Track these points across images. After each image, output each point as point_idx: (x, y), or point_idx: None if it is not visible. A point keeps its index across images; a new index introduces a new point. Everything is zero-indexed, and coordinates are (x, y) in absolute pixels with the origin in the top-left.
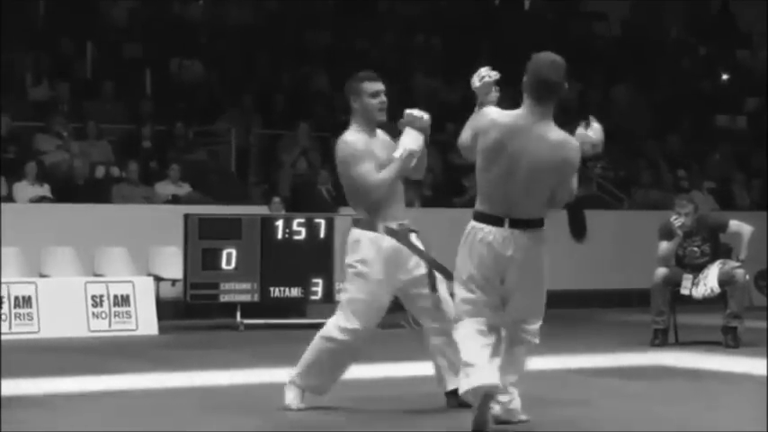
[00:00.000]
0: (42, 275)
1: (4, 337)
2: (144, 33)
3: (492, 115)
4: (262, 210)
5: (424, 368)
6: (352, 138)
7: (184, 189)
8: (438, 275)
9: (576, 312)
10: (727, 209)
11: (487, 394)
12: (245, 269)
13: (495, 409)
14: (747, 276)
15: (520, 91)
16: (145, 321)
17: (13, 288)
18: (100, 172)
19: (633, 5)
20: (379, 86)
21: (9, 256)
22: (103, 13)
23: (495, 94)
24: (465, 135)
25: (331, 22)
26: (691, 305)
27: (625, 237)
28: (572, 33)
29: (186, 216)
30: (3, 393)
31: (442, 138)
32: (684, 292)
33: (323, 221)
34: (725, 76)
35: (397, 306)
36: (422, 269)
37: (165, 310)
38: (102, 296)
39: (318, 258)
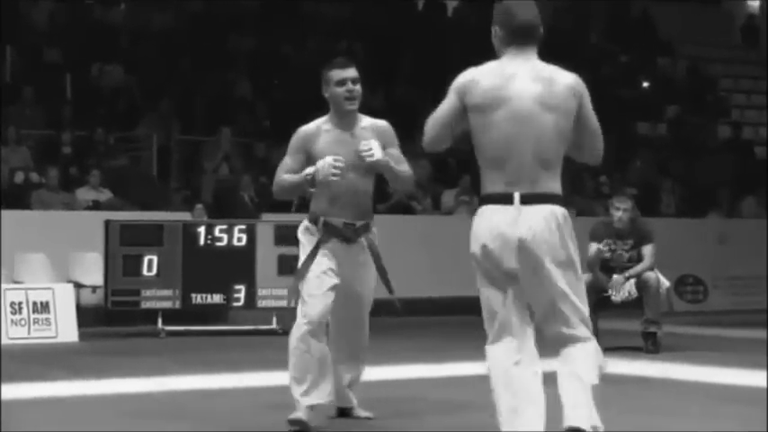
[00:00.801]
0: None
1: None
2: (64, 37)
3: (469, 73)
4: (183, 216)
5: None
6: (300, 129)
7: (105, 195)
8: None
9: None
10: (650, 215)
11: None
12: (167, 276)
13: None
14: (667, 283)
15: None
16: (65, 328)
17: None
18: (19, 178)
19: (555, 11)
20: (348, 74)
21: None
22: (23, 16)
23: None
24: (438, 110)
25: (254, 26)
26: (614, 309)
27: None
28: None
29: (107, 222)
30: None
31: None
32: (611, 294)
33: (245, 228)
34: (645, 84)
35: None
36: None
37: (86, 316)
38: (21, 303)
39: (240, 265)
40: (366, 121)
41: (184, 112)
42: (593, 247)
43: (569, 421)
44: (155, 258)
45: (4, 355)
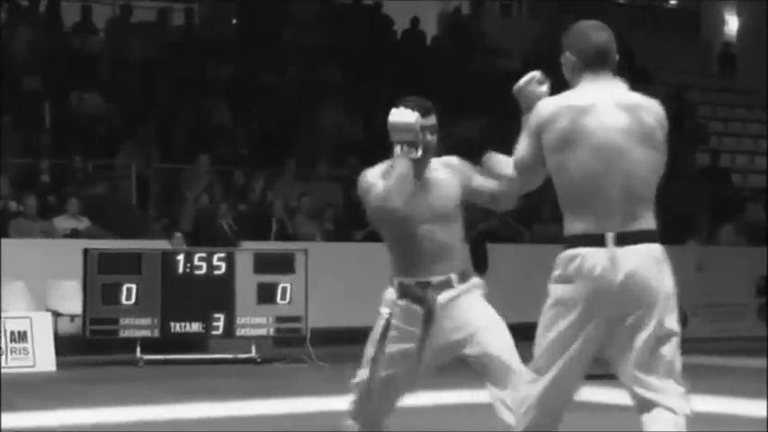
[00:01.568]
0: None
1: None
2: (43, 65)
3: (544, 108)
4: (162, 244)
5: None
6: (364, 175)
7: (84, 223)
8: None
9: None
10: None
11: None
12: (146, 304)
13: None
14: None
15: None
16: (43, 357)
17: None
18: None
19: (535, 40)
20: (426, 122)
21: None
22: (2, 44)
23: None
24: (519, 150)
25: (233, 54)
26: None
27: (526, 270)
28: (474, 68)
29: (86, 251)
30: None
31: (344, 172)
32: None
33: (224, 256)
34: None
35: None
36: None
37: (64, 345)
38: None
39: (219, 293)
40: (434, 162)
41: (163, 140)
42: None
43: None
44: (133, 287)
45: None
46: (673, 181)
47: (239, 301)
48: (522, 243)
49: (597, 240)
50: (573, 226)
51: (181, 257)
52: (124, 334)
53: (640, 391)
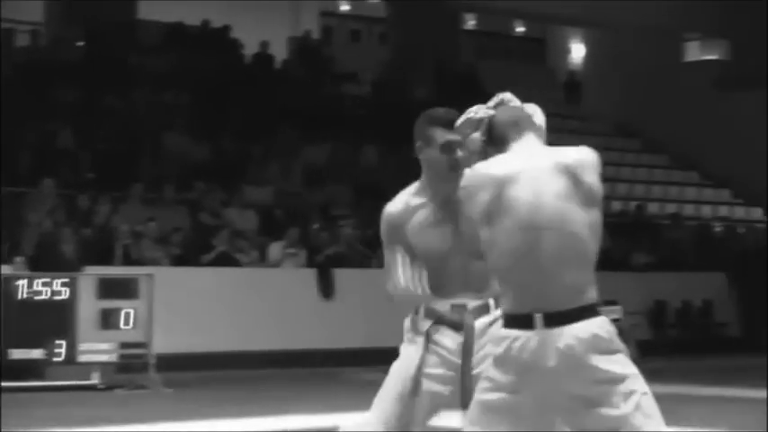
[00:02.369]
0: None
1: None
2: None
3: (478, 170)
4: (4, 269)
5: None
6: (386, 211)
7: None
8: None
9: (326, 371)
10: None
11: None
12: None
13: None
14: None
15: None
16: None
17: None
18: None
19: (384, 66)
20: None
21: None
22: None
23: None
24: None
25: (79, 76)
26: None
27: (373, 295)
28: (323, 93)
29: None
30: None
31: (191, 196)
32: None
33: (67, 281)
34: None
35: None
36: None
37: None
38: None
39: (61, 319)
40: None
41: (6, 163)
42: None
43: None
44: None
45: None
46: None
47: (81, 327)
48: (369, 268)
49: (526, 321)
50: (502, 302)
51: (22, 282)
52: None
53: None
